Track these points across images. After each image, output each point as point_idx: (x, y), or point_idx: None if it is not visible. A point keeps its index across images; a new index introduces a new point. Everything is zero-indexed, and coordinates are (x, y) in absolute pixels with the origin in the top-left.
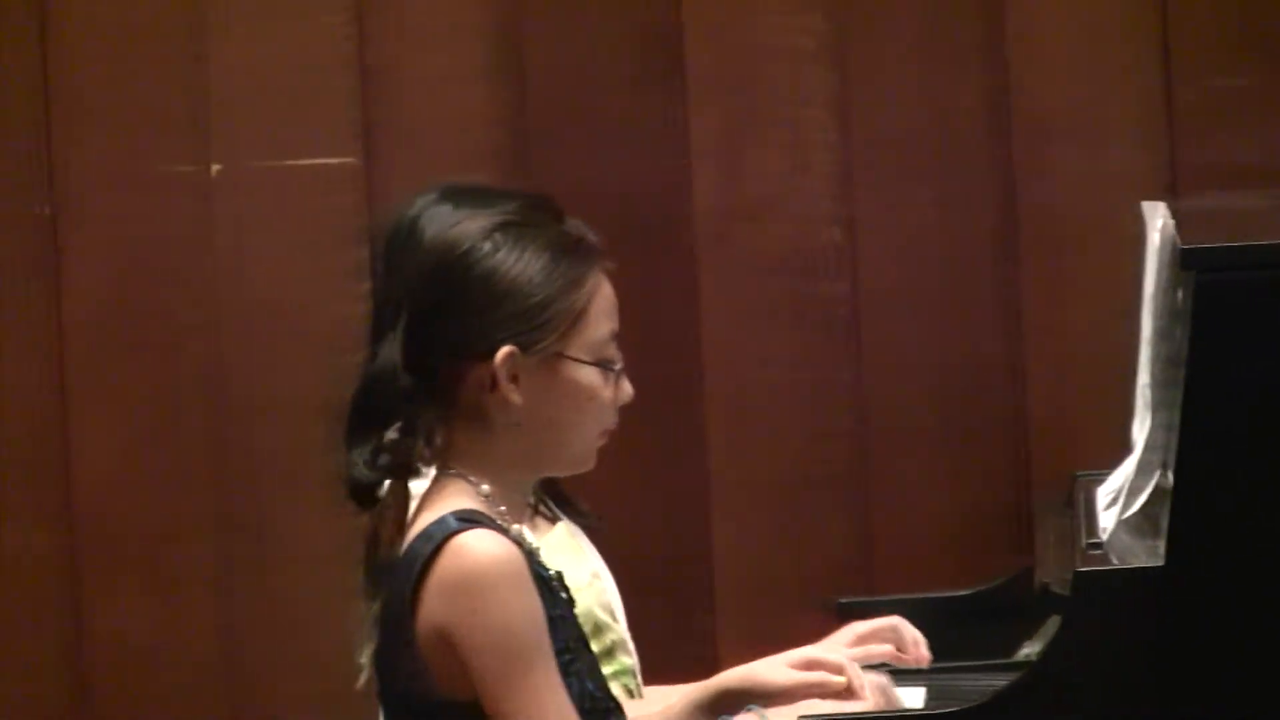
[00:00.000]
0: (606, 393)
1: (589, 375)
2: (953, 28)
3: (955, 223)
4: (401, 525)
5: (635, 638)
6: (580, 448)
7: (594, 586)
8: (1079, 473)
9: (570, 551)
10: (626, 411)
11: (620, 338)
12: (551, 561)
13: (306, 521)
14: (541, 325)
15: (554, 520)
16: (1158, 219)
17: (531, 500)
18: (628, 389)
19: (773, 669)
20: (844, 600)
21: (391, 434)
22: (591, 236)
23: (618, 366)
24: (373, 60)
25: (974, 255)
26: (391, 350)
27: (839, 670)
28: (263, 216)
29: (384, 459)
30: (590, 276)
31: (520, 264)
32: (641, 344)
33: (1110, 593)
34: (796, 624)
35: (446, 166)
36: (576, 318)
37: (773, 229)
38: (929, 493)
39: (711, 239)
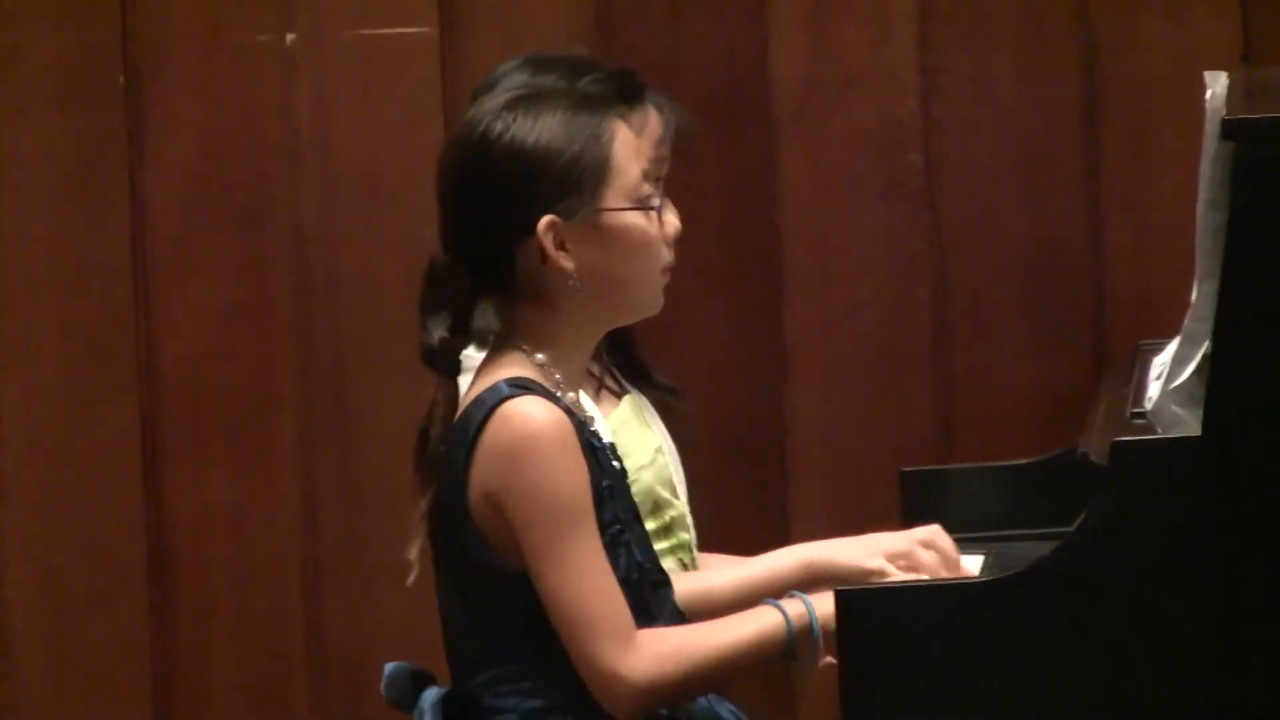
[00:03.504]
0: (653, 231)
1: (632, 220)
2: None
3: (1036, 94)
4: (450, 423)
5: (709, 509)
6: (645, 292)
7: (656, 463)
8: (1141, 343)
9: (634, 426)
10: (705, 284)
11: (654, 177)
12: (613, 435)
13: (388, 395)
14: (572, 187)
15: (619, 395)
16: (1213, 88)
17: (596, 372)
18: (673, 221)
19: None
20: (906, 469)
21: (441, 331)
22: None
23: (657, 203)
24: None
25: (1055, 126)
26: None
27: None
28: (343, 87)
29: (437, 358)
30: (606, 125)
31: (534, 134)
32: (721, 217)
33: (1146, 463)
34: (870, 497)
35: (527, 39)
36: (604, 169)
37: (853, 101)
38: (1008, 366)
39: (792, 111)
